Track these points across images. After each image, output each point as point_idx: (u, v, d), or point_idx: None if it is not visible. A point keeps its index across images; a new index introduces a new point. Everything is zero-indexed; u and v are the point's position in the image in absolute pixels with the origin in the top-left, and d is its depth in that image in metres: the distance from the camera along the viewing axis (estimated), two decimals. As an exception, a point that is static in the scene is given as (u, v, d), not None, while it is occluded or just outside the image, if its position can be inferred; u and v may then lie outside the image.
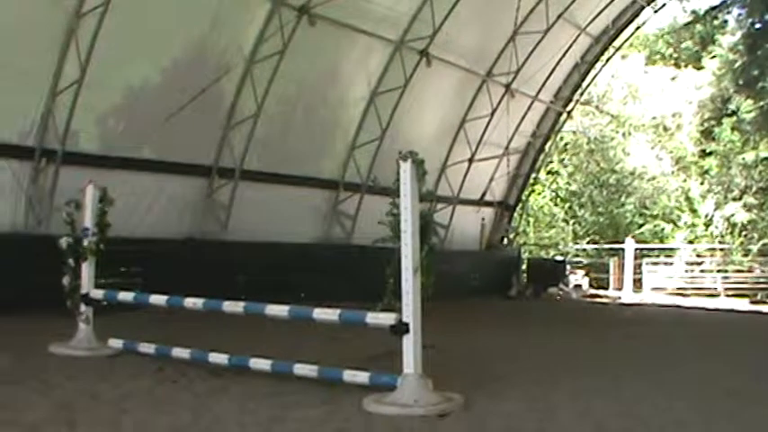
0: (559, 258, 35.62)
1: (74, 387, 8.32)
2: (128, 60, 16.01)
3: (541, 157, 30.70)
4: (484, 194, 27.89)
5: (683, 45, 43.03)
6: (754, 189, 37.66)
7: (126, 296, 11.25)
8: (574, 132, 40.63)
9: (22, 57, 14.53)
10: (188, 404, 7.71)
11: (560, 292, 29.25)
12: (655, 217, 40.01)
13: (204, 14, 17.25)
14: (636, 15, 28.60)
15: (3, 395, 7.72)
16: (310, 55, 19.19)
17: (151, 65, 16.77)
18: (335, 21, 19.40)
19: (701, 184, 39.48)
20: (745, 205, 37.38)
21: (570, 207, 42.47)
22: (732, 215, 37.36)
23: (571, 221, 41.95)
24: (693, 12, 38.98)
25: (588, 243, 40.29)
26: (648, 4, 28.05)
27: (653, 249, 37.16)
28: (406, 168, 7.88)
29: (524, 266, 31.21)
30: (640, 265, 33.94)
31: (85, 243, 10.73)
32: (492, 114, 25.66)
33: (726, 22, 39.70)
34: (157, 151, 17.49)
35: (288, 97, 19.63)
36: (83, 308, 10.66)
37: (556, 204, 42.72)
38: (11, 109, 14.85)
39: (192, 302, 9.69)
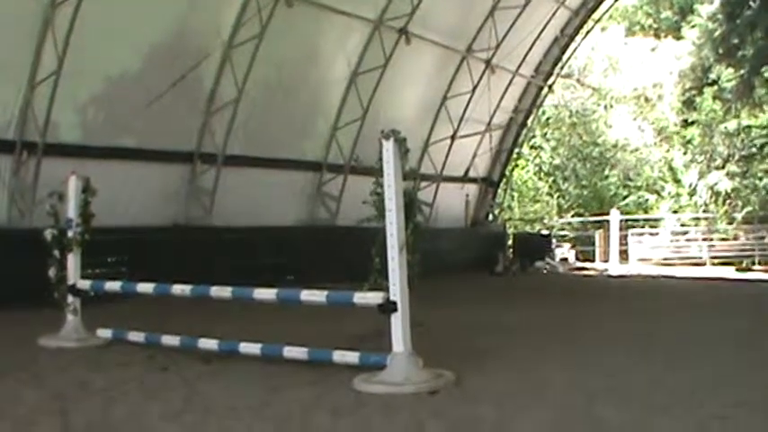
0: (545, 232, 35.71)
1: (64, 378, 8.31)
2: (105, 49, 15.89)
3: (524, 131, 30.74)
4: (467, 171, 27.89)
5: (663, 15, 42.99)
6: (736, 157, 37.77)
7: (113, 285, 11.28)
8: (555, 106, 40.68)
9: (-1, 49, 14.47)
10: (179, 391, 7.71)
11: (547, 266, 29.32)
12: (639, 188, 40.10)
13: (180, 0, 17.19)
14: (615, -14, 28.63)
15: (-7, 388, 7.72)
16: (289, 37, 19.10)
17: (129, 52, 16.65)
18: (313, 2, 19.31)
19: (684, 153, 39.56)
20: (728, 174, 37.49)
21: (554, 181, 42.53)
22: (716, 184, 37.47)
23: (555, 195, 42.04)
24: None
25: (573, 216, 40.41)
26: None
27: (638, 220, 37.31)
28: (388, 147, 7.87)
29: (510, 242, 31.25)
30: (626, 236, 34.03)
31: (70, 234, 10.70)
32: (473, 91, 25.65)
33: (704, -10, 39.72)
34: (139, 139, 17.41)
35: (268, 81, 19.53)
36: (70, 299, 10.64)
37: (540, 179, 42.79)
38: (-11, 102, 14.80)
39: (179, 289, 9.69)
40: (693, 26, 39.89)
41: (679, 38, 40.78)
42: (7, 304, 13.23)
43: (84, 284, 10.81)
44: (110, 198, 12.91)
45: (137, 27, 16.35)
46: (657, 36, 42.09)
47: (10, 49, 14.67)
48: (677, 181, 39.25)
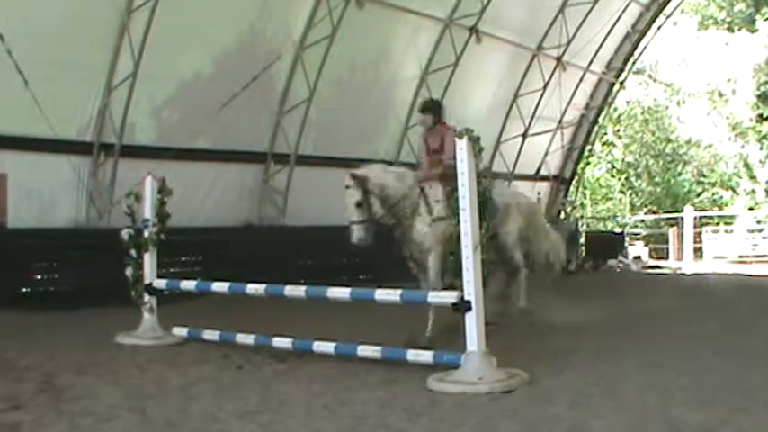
0: (618, 230, 35.31)
1: (142, 375, 8.47)
2: (180, 52, 16.19)
3: (595, 129, 30.40)
4: (539, 169, 27.75)
5: (736, 8, 42.27)
6: (814, 152, 37.08)
7: (188, 285, 11.45)
8: (627, 103, 40.23)
9: (78, 54, 14.78)
10: (254, 389, 7.79)
11: (620, 265, 28.93)
12: (713, 184, 39.54)
13: (253, 2, 17.35)
14: (687, -19, 28.23)
15: (75, 385, 7.86)
16: (360, 37, 19.20)
17: (203, 55, 16.92)
18: (383, 2, 19.38)
19: (760, 149, 38.88)
20: (805, 169, 36.84)
21: (627, 178, 42.06)
22: (793, 179, 36.85)
23: (628, 192, 41.58)
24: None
25: (646, 213, 39.92)
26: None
27: (712, 217, 36.73)
28: (462, 146, 7.87)
29: (582, 240, 30.95)
30: (700, 233, 33.51)
31: (146, 234, 10.88)
32: (544, 88, 25.50)
33: (779, -18, 38.99)
34: (213, 140, 17.66)
35: (339, 81, 19.65)
36: (146, 297, 10.82)
37: (612, 176, 42.36)
38: (69, 105, 15.12)
39: (253, 288, 9.78)
40: (768, 18, 39.21)
41: (753, 31, 40.04)
42: (86, 302, 13.52)
43: (160, 283, 10.99)
44: (184, 198, 13.11)
45: (209, 30, 16.58)
46: (731, 29, 41.35)
47: (88, 54, 15.02)
48: (753, 177, 38.59)
